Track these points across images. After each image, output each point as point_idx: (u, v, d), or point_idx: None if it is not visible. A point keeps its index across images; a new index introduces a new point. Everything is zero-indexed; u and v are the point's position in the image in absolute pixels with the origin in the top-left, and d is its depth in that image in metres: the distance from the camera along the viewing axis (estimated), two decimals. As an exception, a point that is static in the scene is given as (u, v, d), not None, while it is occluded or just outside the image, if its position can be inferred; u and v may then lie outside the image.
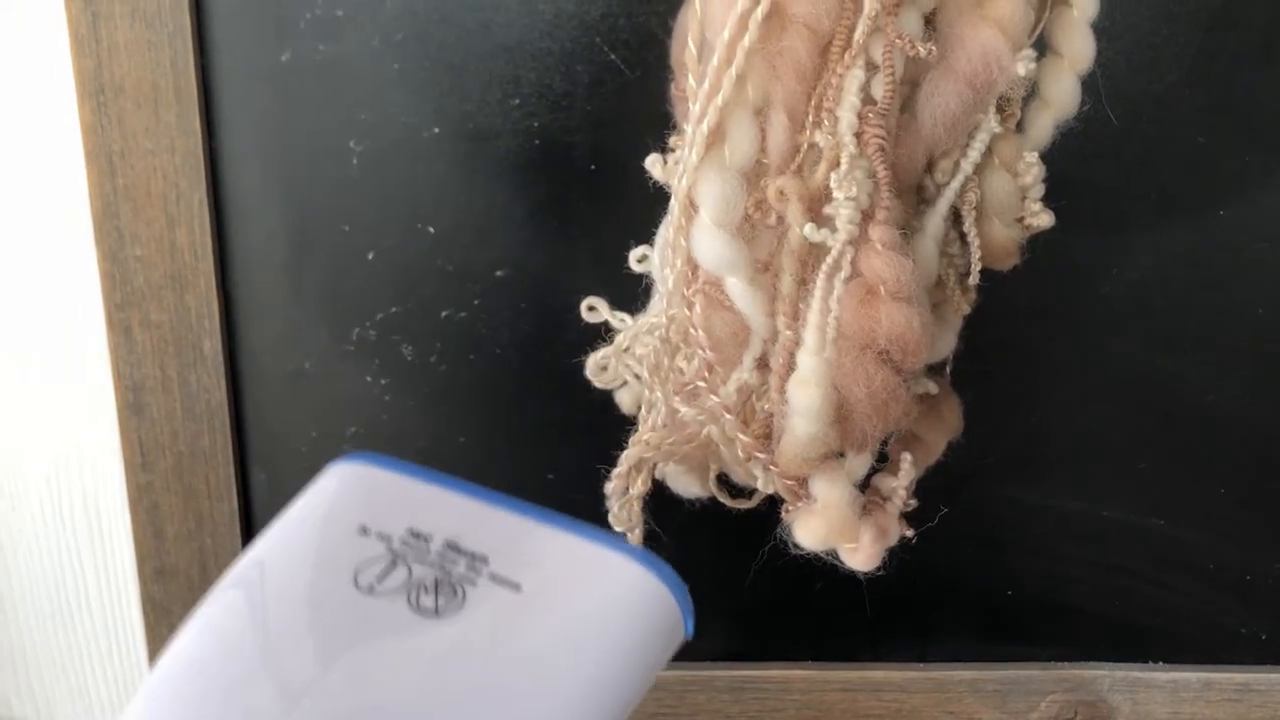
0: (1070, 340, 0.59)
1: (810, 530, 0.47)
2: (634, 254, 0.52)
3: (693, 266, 0.45)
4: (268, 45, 0.55)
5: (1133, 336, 0.59)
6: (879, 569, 0.48)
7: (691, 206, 0.44)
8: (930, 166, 0.47)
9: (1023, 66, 0.44)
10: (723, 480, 0.52)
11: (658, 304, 0.50)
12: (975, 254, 0.48)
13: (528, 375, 0.60)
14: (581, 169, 0.57)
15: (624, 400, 0.54)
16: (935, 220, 0.47)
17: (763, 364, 0.46)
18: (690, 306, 0.46)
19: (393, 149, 0.57)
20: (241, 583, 0.39)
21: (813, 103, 0.43)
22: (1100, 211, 0.56)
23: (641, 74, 0.54)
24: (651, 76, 0.53)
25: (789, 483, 0.47)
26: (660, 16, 0.53)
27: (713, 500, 0.53)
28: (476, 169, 0.57)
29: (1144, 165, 0.56)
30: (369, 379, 0.60)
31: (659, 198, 0.47)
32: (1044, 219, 0.48)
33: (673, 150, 0.47)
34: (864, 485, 0.49)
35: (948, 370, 0.52)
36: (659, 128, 0.48)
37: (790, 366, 0.45)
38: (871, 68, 0.43)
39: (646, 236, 0.52)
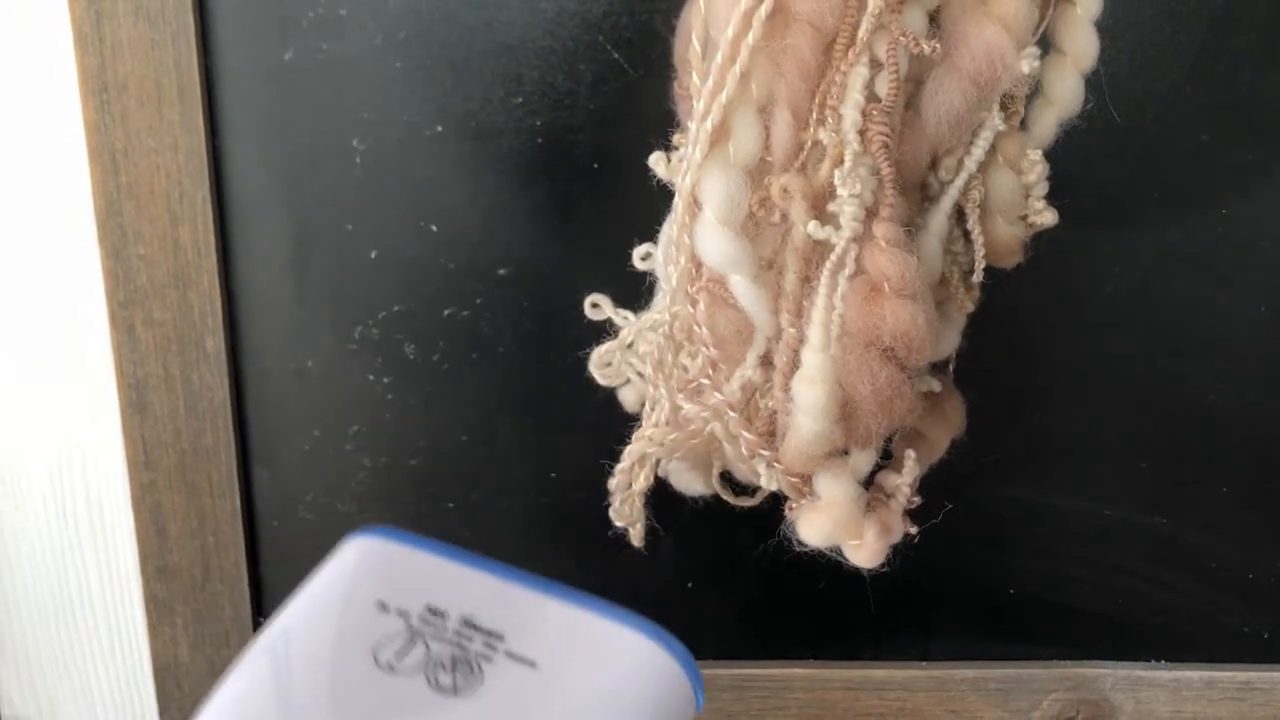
0: (1073, 338, 0.59)
1: (814, 527, 0.47)
2: (637, 252, 0.52)
3: (696, 264, 0.45)
4: (271, 44, 0.56)
5: (1135, 335, 0.59)
6: (882, 567, 0.48)
7: (695, 204, 0.44)
8: (934, 164, 0.47)
9: (1026, 64, 0.44)
10: (726, 478, 0.52)
11: (661, 301, 0.51)
12: (979, 251, 0.48)
13: (530, 374, 0.60)
14: (584, 167, 0.57)
15: (628, 398, 0.54)
16: (939, 218, 0.47)
17: (766, 361, 0.46)
18: (694, 304, 0.46)
19: (395, 147, 0.57)
20: (265, 655, 0.39)
21: (817, 100, 0.43)
22: (1103, 210, 0.56)
23: (644, 72, 0.54)
24: (654, 74, 0.53)
25: (793, 480, 0.47)
26: (663, 14, 0.53)
27: (716, 498, 0.53)
28: (479, 167, 0.57)
29: (1147, 163, 0.56)
30: (371, 377, 0.60)
31: (662, 196, 0.47)
32: (1047, 217, 0.48)
33: (676, 148, 0.47)
34: (867, 482, 0.49)
35: (951, 368, 0.52)
36: (662, 126, 0.48)
37: (794, 364, 0.45)
38: (875, 65, 0.43)
39: (650, 234, 0.52)
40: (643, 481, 0.49)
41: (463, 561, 0.42)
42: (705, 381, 0.47)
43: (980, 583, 0.64)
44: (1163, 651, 0.64)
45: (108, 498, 0.66)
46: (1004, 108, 0.46)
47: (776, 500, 0.49)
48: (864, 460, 0.48)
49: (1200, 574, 0.63)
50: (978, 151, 0.46)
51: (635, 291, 0.53)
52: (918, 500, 0.49)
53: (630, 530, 0.50)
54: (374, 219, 0.58)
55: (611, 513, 0.50)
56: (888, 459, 0.50)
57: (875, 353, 0.44)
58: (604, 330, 0.55)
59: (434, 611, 0.40)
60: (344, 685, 0.38)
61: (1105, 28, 0.46)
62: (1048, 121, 0.47)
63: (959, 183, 0.47)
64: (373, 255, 0.59)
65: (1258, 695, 0.64)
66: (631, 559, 0.53)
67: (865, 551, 0.47)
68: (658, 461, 0.50)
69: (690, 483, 0.52)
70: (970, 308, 0.50)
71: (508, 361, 0.60)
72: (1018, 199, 0.48)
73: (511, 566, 0.42)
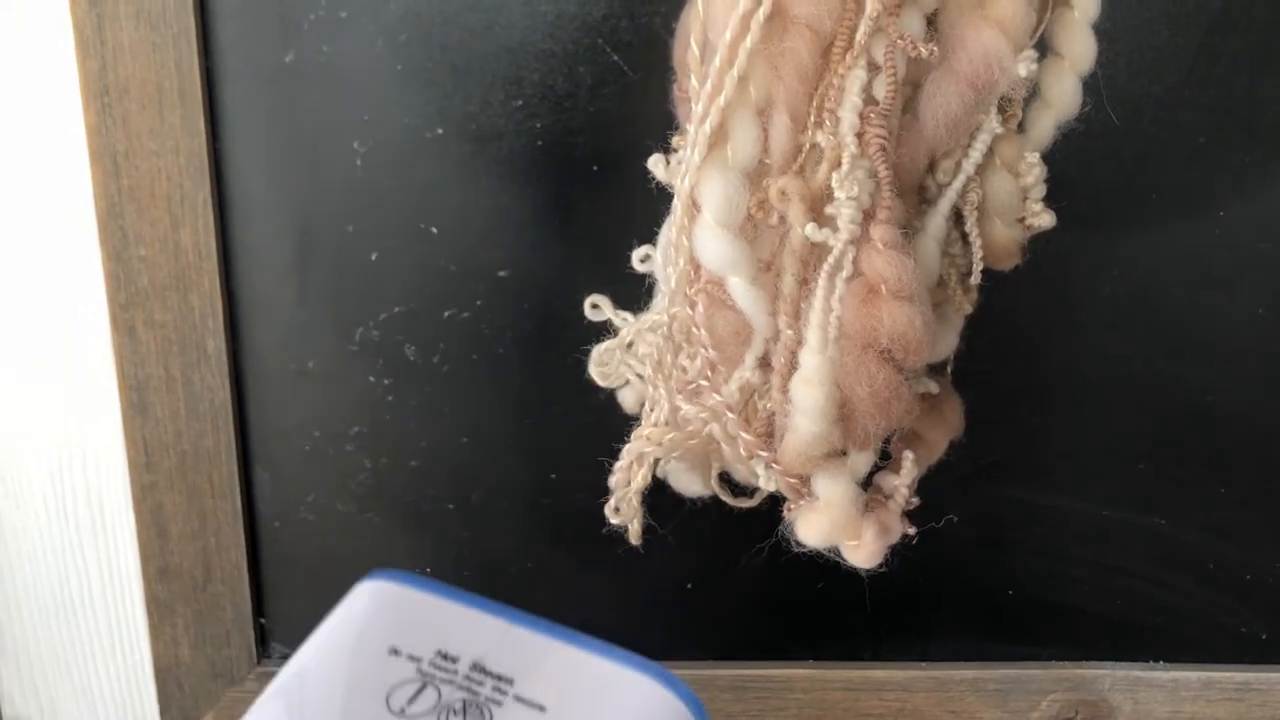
0: (1071, 340, 0.59)
1: (813, 527, 0.47)
2: (637, 254, 0.52)
3: (695, 266, 0.45)
4: (272, 46, 0.56)
5: (1134, 336, 0.59)
6: (880, 567, 0.48)
7: (694, 206, 0.44)
8: (932, 167, 0.47)
9: (1024, 67, 0.44)
10: (724, 479, 0.52)
11: (660, 303, 0.51)
12: (977, 254, 0.48)
13: (531, 375, 0.60)
14: (584, 169, 0.57)
15: (627, 400, 0.54)
16: (937, 220, 0.47)
17: (765, 363, 0.47)
18: (693, 305, 0.46)
19: (396, 150, 0.57)
20: (279, 699, 0.40)
21: (814, 103, 0.43)
22: (1101, 212, 0.56)
23: (644, 75, 0.55)
24: (654, 77, 0.53)
25: (791, 481, 0.47)
26: (663, 17, 0.53)
27: (714, 499, 0.53)
28: (479, 170, 0.57)
29: (1145, 166, 0.56)
30: (372, 379, 0.61)
31: (661, 198, 0.47)
32: (1045, 219, 0.48)
33: (675, 150, 0.48)
34: (866, 484, 0.49)
35: (949, 370, 0.52)
36: (661, 128, 0.49)
37: (792, 365, 0.45)
38: (873, 68, 0.43)
39: (649, 236, 0.52)
40: (640, 480, 0.49)
41: (472, 606, 0.43)
42: (704, 383, 0.47)
43: (979, 583, 0.64)
44: (1161, 652, 0.64)
45: (109, 498, 0.66)
46: (1002, 111, 0.46)
47: (775, 501, 0.49)
48: (862, 461, 0.48)
49: (1199, 575, 0.63)
50: (975, 154, 0.46)
51: (635, 293, 0.53)
52: (916, 501, 0.49)
53: (628, 528, 0.50)
54: (374, 221, 0.58)
55: (608, 510, 0.50)
56: (886, 460, 0.50)
57: (873, 354, 0.44)
58: (604, 332, 0.55)
59: (445, 656, 0.40)
60: None
61: (1103, 31, 0.46)
62: (1045, 124, 0.47)
63: (957, 185, 0.47)
64: (373, 257, 0.59)
65: (1256, 696, 0.64)
66: (631, 560, 0.53)
67: (863, 552, 0.47)
68: (656, 461, 0.50)
69: (689, 484, 0.52)
70: (968, 310, 0.50)
71: (508, 363, 0.60)
72: (1015, 201, 0.48)
73: (520, 610, 0.43)
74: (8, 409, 0.65)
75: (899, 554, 0.50)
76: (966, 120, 0.45)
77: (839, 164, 0.43)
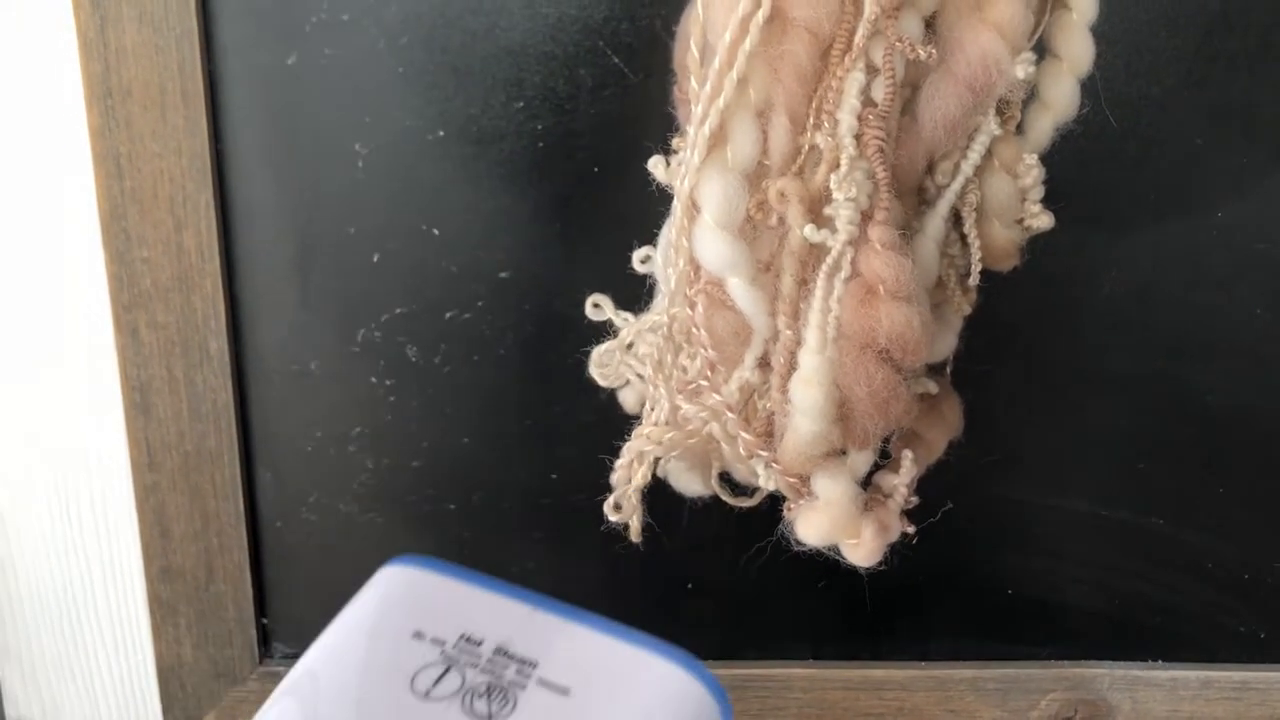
0: (1070, 340, 0.59)
1: (812, 525, 0.47)
2: (637, 254, 0.52)
3: (695, 267, 0.46)
4: (274, 48, 0.56)
5: (1132, 337, 0.59)
6: (879, 566, 0.48)
7: (694, 208, 0.44)
8: (930, 168, 0.47)
9: (1022, 70, 0.44)
10: (724, 478, 0.52)
11: (660, 303, 0.51)
12: (975, 255, 0.48)
13: (532, 376, 0.61)
14: (585, 171, 0.57)
15: (628, 399, 0.55)
16: (935, 221, 0.47)
17: (764, 363, 0.47)
18: (692, 306, 0.46)
19: (398, 151, 0.57)
20: (303, 682, 0.40)
21: (813, 105, 0.44)
22: (1099, 213, 0.57)
23: (644, 77, 0.55)
24: (654, 79, 0.53)
25: (791, 480, 0.47)
26: (663, 20, 0.54)
27: (714, 498, 0.53)
28: (481, 171, 0.57)
29: (1143, 167, 0.56)
30: (374, 380, 0.61)
31: (662, 199, 0.47)
32: (1043, 220, 0.48)
33: (675, 152, 0.48)
34: (865, 483, 0.49)
35: (948, 370, 0.52)
36: (662, 130, 0.49)
37: (791, 366, 0.45)
38: (872, 71, 0.43)
39: (650, 237, 0.52)
40: (640, 479, 0.50)
41: (496, 590, 0.43)
42: (704, 382, 0.47)
43: (978, 583, 0.64)
44: (1160, 651, 0.65)
45: (111, 499, 0.66)
46: (1000, 112, 0.46)
47: (775, 501, 0.50)
48: (861, 461, 0.48)
49: (1197, 574, 0.63)
50: (974, 156, 0.46)
51: (635, 294, 0.54)
52: (915, 500, 0.50)
53: (628, 526, 0.50)
54: (376, 222, 0.59)
55: (608, 507, 0.50)
56: (886, 459, 0.51)
57: (871, 355, 0.44)
58: (605, 332, 0.55)
59: (468, 639, 0.41)
60: (382, 710, 0.38)
61: (1101, 32, 0.47)
62: (1044, 126, 0.48)
63: (955, 186, 0.47)
64: (375, 258, 0.59)
65: (1254, 695, 0.64)
66: (631, 559, 0.53)
67: (863, 550, 0.48)
68: (656, 460, 0.50)
69: (689, 483, 0.53)
70: (967, 310, 0.50)
71: (509, 363, 0.60)
72: (1014, 203, 0.48)
73: (543, 595, 0.43)
74: (10, 409, 0.65)
75: (898, 554, 0.50)
76: (965, 122, 0.45)
77: (837, 165, 0.43)
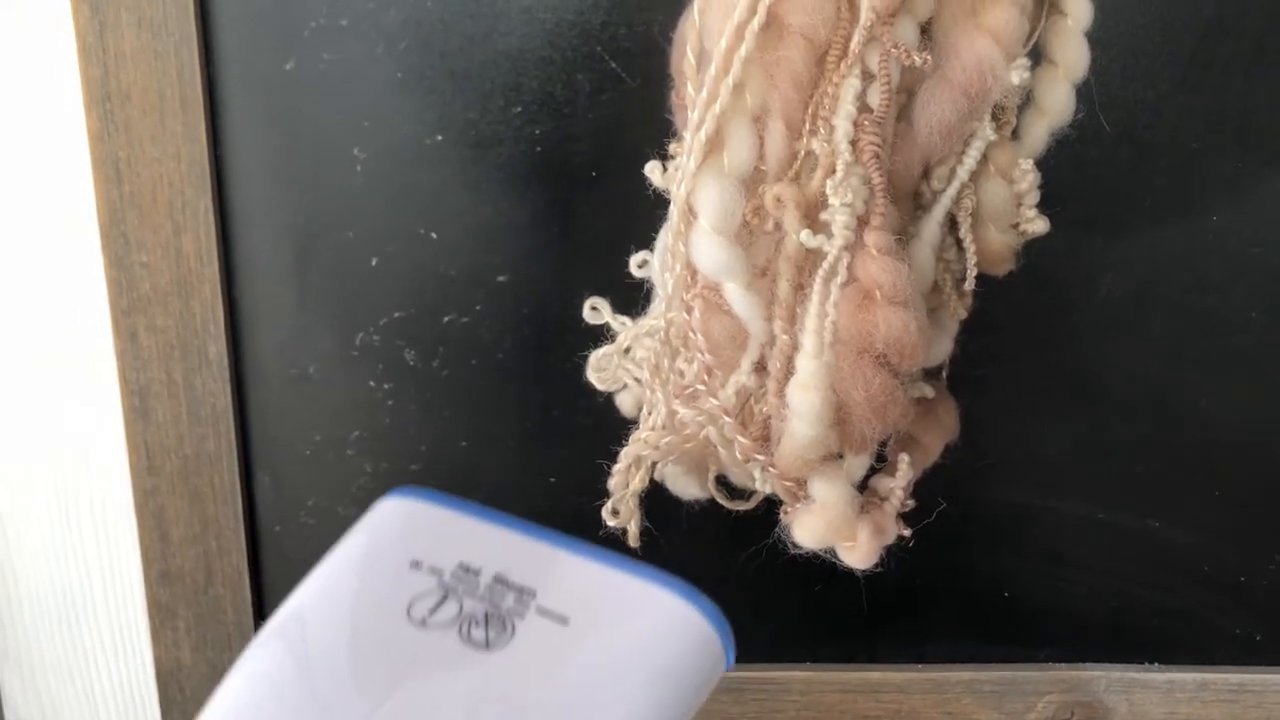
0: (1065, 344, 0.60)
1: (808, 528, 0.47)
2: (634, 259, 0.53)
3: (691, 271, 0.46)
4: (272, 53, 0.56)
5: (1127, 341, 0.59)
6: (876, 568, 0.49)
7: (690, 213, 0.44)
8: (926, 173, 0.47)
9: (1017, 75, 0.44)
10: (721, 482, 0.53)
11: (658, 308, 0.51)
12: (971, 260, 0.49)
13: (530, 380, 0.61)
14: (583, 175, 0.57)
15: (625, 403, 0.55)
16: (931, 226, 0.48)
17: (761, 367, 0.47)
18: (689, 310, 0.47)
19: (396, 156, 0.57)
20: (296, 615, 0.40)
21: (809, 111, 0.44)
22: (1095, 217, 0.57)
23: (642, 82, 0.55)
24: (652, 84, 0.53)
25: (787, 484, 0.47)
26: (661, 25, 0.54)
27: (711, 502, 0.53)
28: (479, 176, 0.57)
29: (1138, 171, 0.56)
30: (372, 384, 0.61)
31: (659, 204, 0.47)
32: (1039, 225, 0.49)
33: (672, 157, 0.48)
34: (862, 487, 0.49)
35: (944, 374, 0.53)
36: (659, 135, 0.49)
37: (787, 370, 0.45)
38: (867, 77, 0.44)
39: (647, 241, 0.52)
40: (638, 483, 0.50)
41: (495, 521, 0.42)
42: (701, 387, 0.47)
43: (975, 586, 0.64)
44: (1156, 654, 0.65)
45: (111, 503, 0.66)
46: (995, 118, 0.47)
47: (772, 504, 0.50)
48: (858, 464, 0.49)
49: (1193, 577, 0.64)
50: (969, 161, 0.47)
51: (633, 298, 0.54)
52: (911, 504, 0.50)
53: (626, 530, 0.51)
54: (375, 226, 0.59)
55: (606, 512, 0.50)
56: (882, 463, 0.51)
57: (868, 359, 0.45)
58: (602, 335, 0.55)
59: (467, 569, 0.40)
60: (376, 639, 0.38)
61: (1096, 38, 0.47)
62: (1039, 131, 0.48)
63: (951, 192, 0.47)
64: (373, 262, 0.59)
65: (1250, 697, 0.64)
66: (629, 563, 0.53)
67: (859, 553, 0.48)
68: (653, 464, 0.50)
69: (686, 487, 0.53)
70: (963, 315, 0.50)
71: (507, 367, 0.60)
72: (1009, 207, 0.48)
73: (544, 527, 0.42)
74: (10, 414, 0.65)
75: (895, 557, 0.50)
76: (960, 127, 0.45)
77: (833, 171, 0.43)
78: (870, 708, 0.65)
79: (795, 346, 0.45)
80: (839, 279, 0.44)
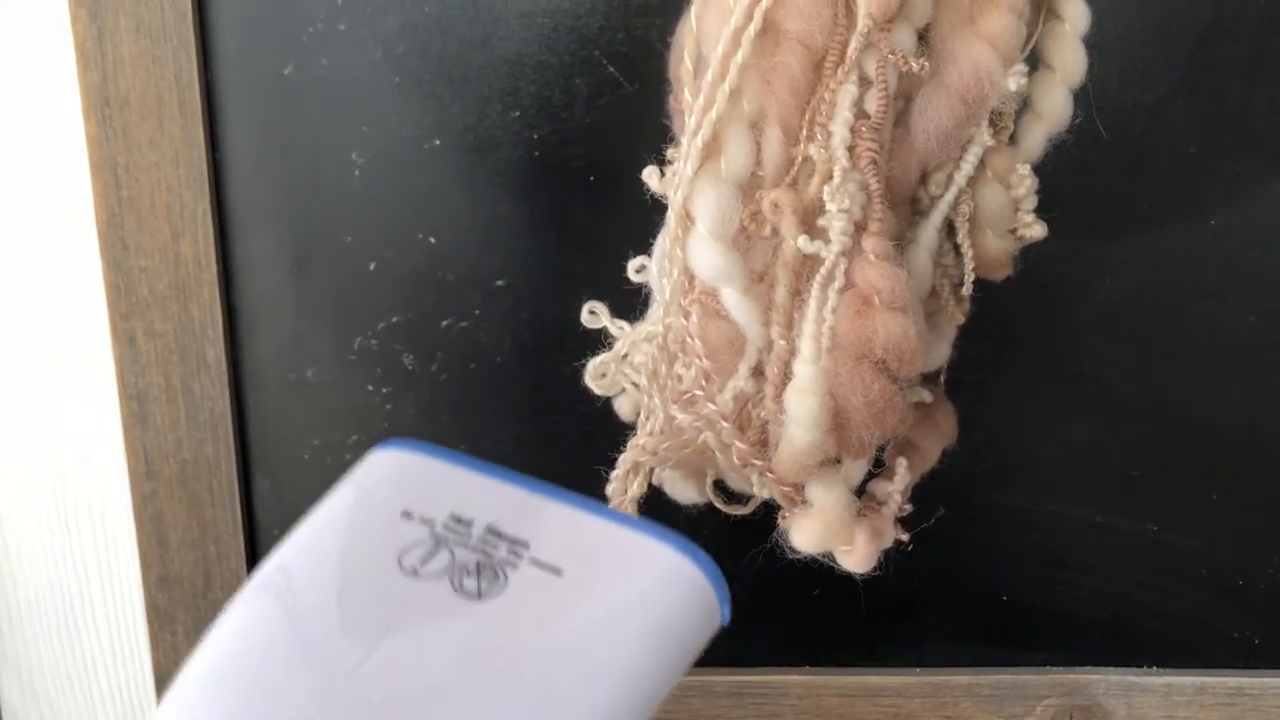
0: (1063, 348, 0.60)
1: (806, 533, 0.47)
2: (632, 264, 0.53)
3: (689, 277, 0.46)
4: (271, 59, 0.56)
5: (1125, 345, 0.59)
6: (876, 573, 0.49)
7: (688, 218, 0.44)
8: (924, 179, 0.47)
9: (1014, 82, 0.44)
10: (719, 486, 0.53)
11: (656, 313, 0.51)
12: (969, 265, 0.49)
13: (528, 384, 0.61)
14: (581, 180, 0.57)
15: (623, 408, 0.55)
16: (929, 231, 0.48)
17: (758, 372, 0.47)
18: (687, 316, 0.47)
19: (394, 160, 0.57)
20: (284, 566, 0.39)
21: (807, 117, 0.44)
22: (1092, 222, 0.57)
23: (640, 86, 0.55)
24: (649, 89, 0.53)
25: (785, 489, 0.47)
26: (659, 30, 0.54)
27: (710, 506, 0.53)
28: (477, 180, 0.57)
29: (1136, 176, 0.56)
30: (370, 388, 0.61)
31: (658, 209, 0.47)
32: (1036, 230, 0.49)
33: (670, 162, 0.48)
34: (860, 491, 0.49)
35: (942, 379, 0.53)
36: (657, 139, 0.49)
37: (785, 375, 0.45)
38: (864, 82, 0.44)
39: (646, 246, 0.52)
40: (636, 489, 0.50)
41: (488, 473, 0.41)
42: (698, 392, 0.47)
43: (974, 590, 0.64)
44: (1155, 657, 0.65)
45: (110, 507, 0.66)
46: (993, 123, 0.47)
47: (770, 508, 0.50)
48: (856, 469, 0.49)
49: (1191, 580, 0.64)
50: (967, 166, 0.47)
51: (631, 303, 0.54)
52: (909, 508, 0.50)
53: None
54: (373, 231, 0.59)
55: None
56: (880, 468, 0.51)
57: (868, 365, 0.45)
58: (600, 340, 0.55)
59: (459, 520, 0.39)
60: (365, 588, 0.37)
61: (1094, 42, 0.47)
62: (1037, 136, 0.48)
63: (949, 197, 0.47)
64: (372, 267, 0.59)
65: (1248, 701, 0.64)
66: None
67: (856, 557, 0.48)
68: (651, 470, 0.50)
69: (684, 491, 0.53)
70: (961, 319, 0.50)
71: (505, 372, 0.60)
72: (1007, 213, 0.48)
73: (538, 479, 0.41)
74: (9, 417, 0.65)
75: (894, 561, 0.50)
76: (958, 133, 0.45)
77: (831, 177, 0.43)
78: (869, 711, 0.65)
79: (793, 351, 0.45)
80: (836, 284, 0.44)
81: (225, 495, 0.62)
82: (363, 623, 0.37)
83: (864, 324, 0.44)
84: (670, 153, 0.48)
